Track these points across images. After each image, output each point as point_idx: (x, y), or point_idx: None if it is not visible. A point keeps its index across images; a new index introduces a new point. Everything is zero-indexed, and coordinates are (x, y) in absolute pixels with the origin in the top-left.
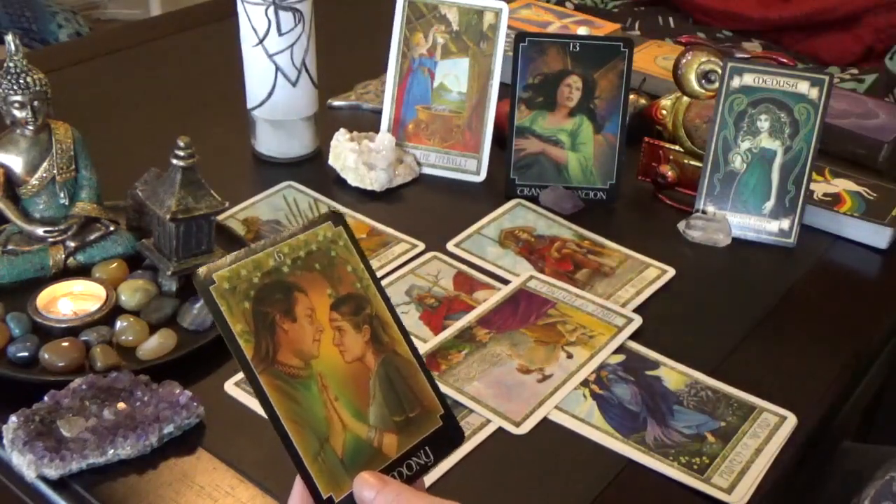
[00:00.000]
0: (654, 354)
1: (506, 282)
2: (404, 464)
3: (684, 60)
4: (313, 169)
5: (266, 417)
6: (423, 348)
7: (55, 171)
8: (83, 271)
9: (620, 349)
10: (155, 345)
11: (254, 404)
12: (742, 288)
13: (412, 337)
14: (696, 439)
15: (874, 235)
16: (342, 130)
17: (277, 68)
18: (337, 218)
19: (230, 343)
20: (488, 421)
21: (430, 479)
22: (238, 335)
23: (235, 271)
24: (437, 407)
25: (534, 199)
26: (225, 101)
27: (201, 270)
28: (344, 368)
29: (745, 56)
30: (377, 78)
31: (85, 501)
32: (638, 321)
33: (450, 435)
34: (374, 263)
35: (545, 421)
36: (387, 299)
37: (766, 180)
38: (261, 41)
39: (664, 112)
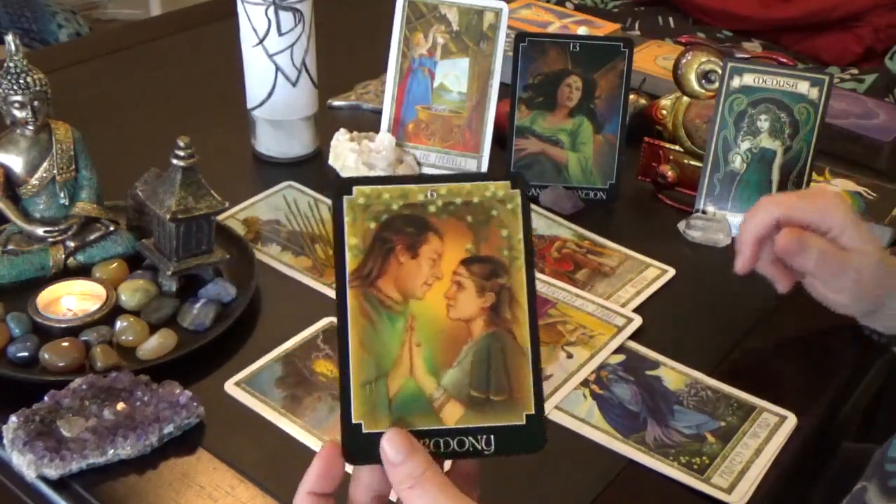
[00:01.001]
0: (654, 354)
1: None
2: (457, 438)
3: (684, 60)
4: (313, 169)
5: (337, 332)
6: None
7: (55, 171)
8: (83, 271)
9: (620, 349)
10: (155, 345)
11: (254, 404)
12: (742, 288)
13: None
14: (696, 439)
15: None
16: (342, 130)
17: (277, 68)
18: (518, 180)
19: (337, 252)
20: None
21: None
22: (349, 247)
23: (377, 192)
24: (529, 405)
25: (534, 199)
26: (225, 101)
27: (344, 178)
28: (442, 322)
29: (745, 56)
30: (377, 78)
31: (85, 501)
32: (638, 321)
33: (528, 438)
34: None
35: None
36: (531, 281)
37: (766, 180)
38: (261, 41)
39: (664, 112)
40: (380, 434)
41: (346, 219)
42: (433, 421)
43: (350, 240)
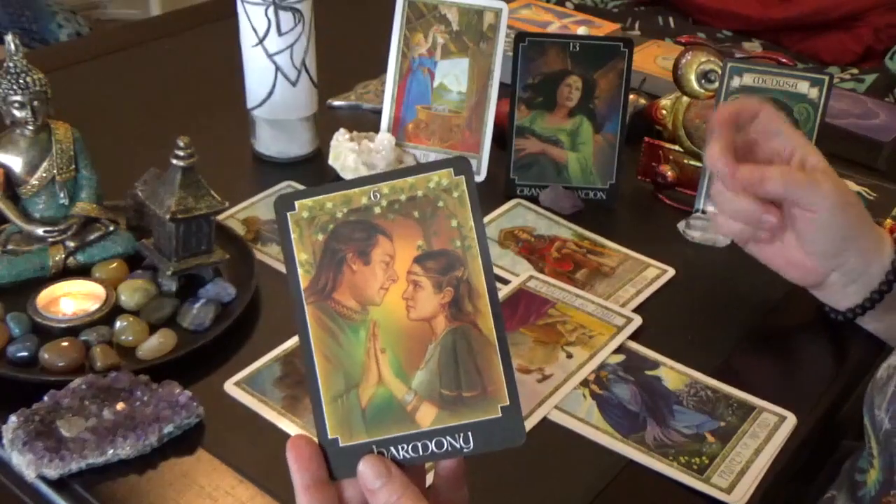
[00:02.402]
0: (653, 354)
1: (506, 282)
2: (434, 440)
3: (684, 60)
4: (313, 169)
5: (300, 350)
6: None
7: (55, 171)
8: (83, 271)
9: (620, 349)
10: (155, 345)
11: (253, 404)
12: (742, 288)
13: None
14: (695, 439)
15: None
16: (342, 130)
17: (277, 68)
18: (461, 165)
19: (289, 269)
20: None
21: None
22: (299, 263)
23: (319, 203)
24: (503, 397)
25: (534, 199)
26: (225, 101)
27: (284, 195)
28: (403, 324)
29: (745, 56)
30: (377, 78)
31: (85, 501)
32: (638, 321)
33: (506, 431)
34: None
35: (545, 421)
36: (488, 268)
37: None
38: (261, 41)
39: (664, 112)
40: (358, 446)
41: (293, 235)
42: (409, 425)
43: (300, 255)
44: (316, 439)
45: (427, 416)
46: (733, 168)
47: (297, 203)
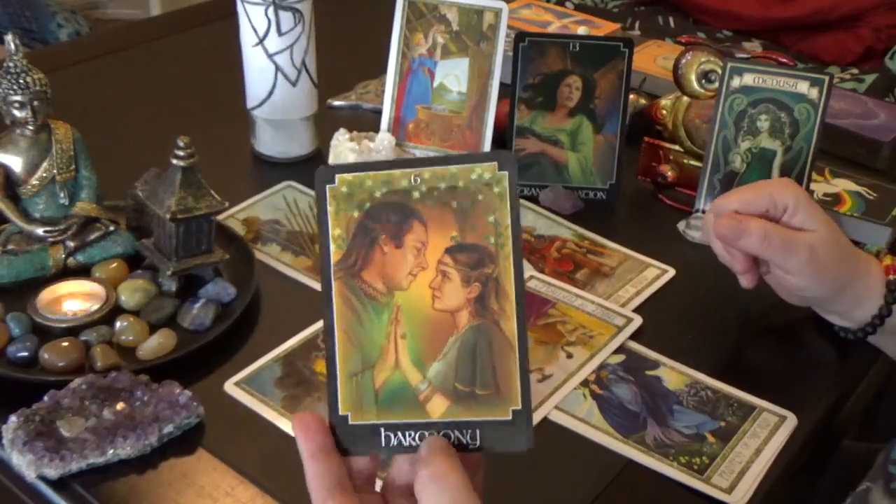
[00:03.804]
0: (654, 354)
1: None
2: (442, 431)
3: (684, 60)
4: (313, 169)
5: (323, 323)
6: None
7: (55, 171)
8: (83, 271)
9: (620, 349)
10: (155, 345)
11: (254, 404)
12: (742, 288)
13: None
14: (695, 439)
15: (874, 235)
16: (342, 130)
17: (277, 68)
18: (506, 160)
19: (322, 242)
20: None
21: None
22: (332, 238)
23: (360, 179)
24: (516, 400)
25: (534, 199)
26: (225, 101)
27: (325, 166)
28: (427, 313)
29: (745, 56)
30: (377, 78)
31: (85, 501)
32: (638, 321)
33: (513, 435)
34: None
35: (545, 421)
36: (519, 270)
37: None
38: (261, 41)
39: (664, 112)
40: (367, 426)
41: (329, 208)
42: (419, 413)
43: (333, 230)
44: (325, 419)
45: (438, 407)
46: (717, 218)
47: (337, 177)
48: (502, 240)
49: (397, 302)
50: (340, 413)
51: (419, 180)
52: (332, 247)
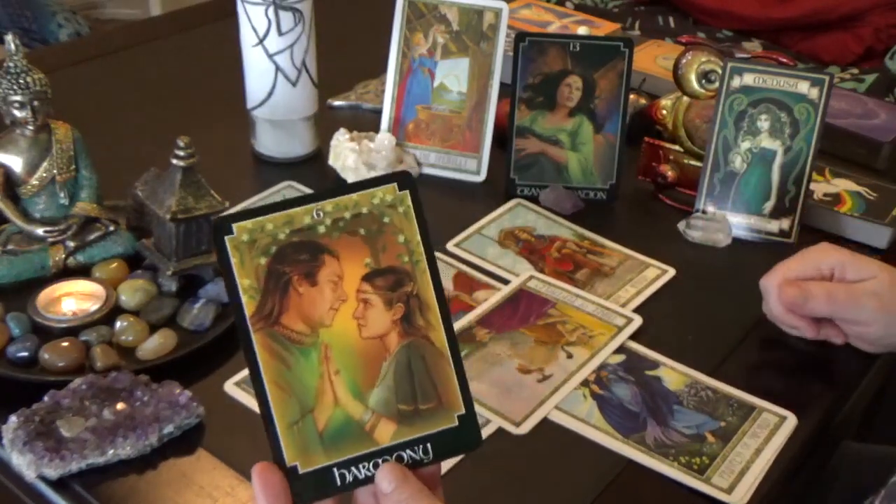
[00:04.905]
0: (654, 354)
1: (506, 282)
2: (395, 455)
3: (684, 60)
4: (313, 169)
5: (250, 378)
6: None
7: (55, 171)
8: (83, 271)
9: (620, 349)
10: (155, 345)
11: (254, 405)
12: (742, 288)
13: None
14: (695, 439)
15: (874, 235)
16: (342, 130)
17: (277, 68)
18: (405, 180)
19: (231, 295)
20: (488, 421)
21: None
22: (243, 290)
23: (260, 224)
24: (458, 405)
25: (534, 199)
26: (225, 101)
27: (220, 217)
28: (356, 343)
29: (745, 56)
30: (377, 78)
31: (85, 501)
32: (638, 321)
33: (463, 438)
34: None
35: (545, 421)
36: (437, 281)
37: (766, 180)
38: (261, 41)
39: (664, 112)
40: (318, 470)
41: (233, 260)
42: (368, 444)
43: (242, 281)
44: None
45: (386, 433)
46: (778, 289)
47: (234, 226)
48: (416, 256)
49: (323, 340)
50: (288, 465)
51: (322, 214)
52: (245, 298)
